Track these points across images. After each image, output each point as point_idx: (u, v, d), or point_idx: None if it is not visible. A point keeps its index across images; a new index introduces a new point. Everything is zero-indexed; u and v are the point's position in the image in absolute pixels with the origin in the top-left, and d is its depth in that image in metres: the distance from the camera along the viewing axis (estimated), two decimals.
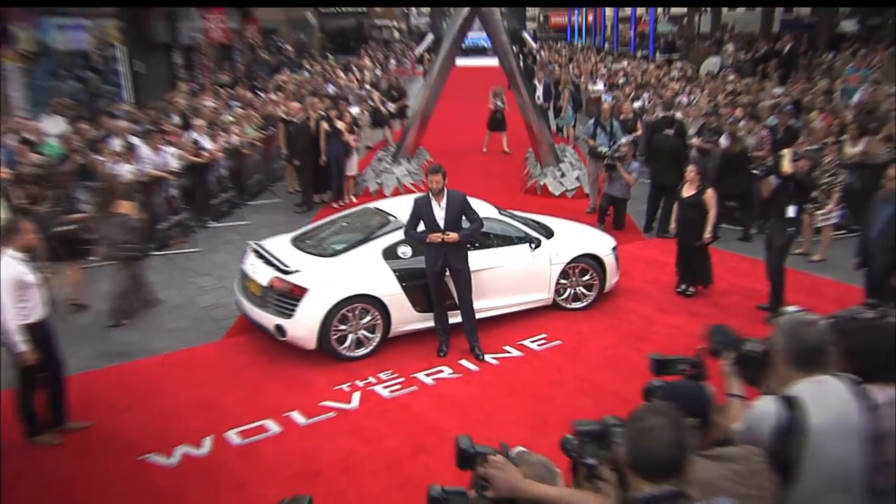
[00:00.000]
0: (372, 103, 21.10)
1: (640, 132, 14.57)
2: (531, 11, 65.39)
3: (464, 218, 8.66)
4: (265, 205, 15.78)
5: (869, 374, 3.50)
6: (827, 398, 3.34)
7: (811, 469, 3.28)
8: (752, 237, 12.58)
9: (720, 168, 12.35)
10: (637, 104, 17.99)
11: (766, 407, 3.37)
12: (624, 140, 13.55)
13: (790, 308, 4.54)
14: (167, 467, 6.83)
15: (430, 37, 49.64)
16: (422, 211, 8.59)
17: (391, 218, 9.54)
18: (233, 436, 7.27)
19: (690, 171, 10.49)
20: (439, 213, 8.51)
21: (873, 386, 3.46)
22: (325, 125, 14.52)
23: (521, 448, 3.51)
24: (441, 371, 8.57)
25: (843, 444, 3.31)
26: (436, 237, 8.38)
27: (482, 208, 9.64)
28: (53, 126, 13.51)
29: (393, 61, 37.99)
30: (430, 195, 8.61)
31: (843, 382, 3.41)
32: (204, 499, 6.43)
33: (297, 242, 9.50)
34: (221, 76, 28.73)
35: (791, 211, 9.36)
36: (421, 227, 8.58)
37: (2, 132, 12.09)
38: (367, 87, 26.77)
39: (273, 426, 7.47)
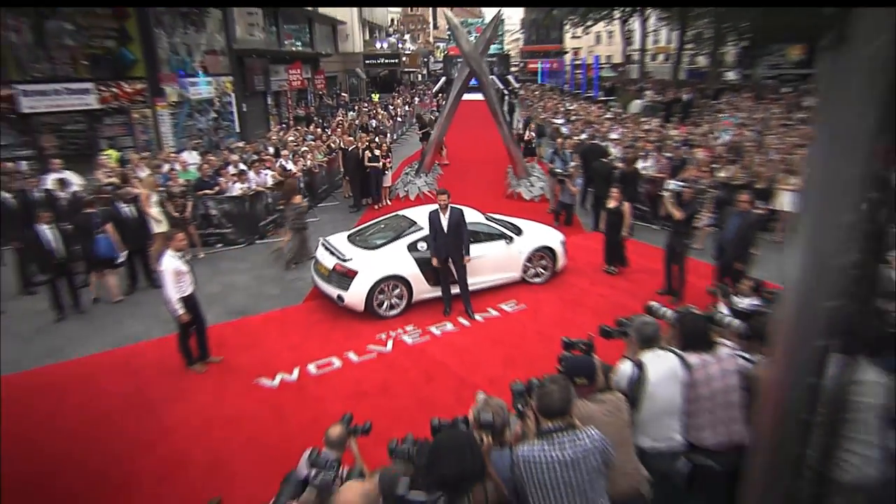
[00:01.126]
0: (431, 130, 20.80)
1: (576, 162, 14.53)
2: (514, 59, 64.30)
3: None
4: (329, 206, 15.72)
5: (690, 347, 3.90)
6: (660, 362, 3.74)
7: (649, 403, 3.69)
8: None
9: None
10: (584, 136, 17.78)
11: (624, 367, 3.79)
12: (572, 164, 13.54)
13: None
14: (271, 387, 7.15)
15: (442, 79, 49.18)
16: (434, 221, 8.75)
17: (413, 223, 9.51)
18: (311, 368, 7.54)
19: (614, 191, 10.50)
20: (444, 221, 8.65)
21: (692, 354, 3.84)
22: (368, 153, 14.60)
23: (483, 394, 3.96)
24: (446, 326, 8.69)
25: (669, 389, 3.71)
26: (438, 264, 8.85)
27: (473, 215, 9.67)
28: (191, 158, 13.72)
29: (417, 99, 37.86)
30: (439, 209, 8.76)
31: (672, 353, 3.80)
32: (295, 409, 6.69)
33: (351, 238, 9.53)
34: (299, 111, 29.00)
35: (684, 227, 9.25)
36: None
37: (160, 162, 12.49)
38: (399, 119, 26.82)
39: (336, 362, 7.70)
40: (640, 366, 3.70)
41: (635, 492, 3.40)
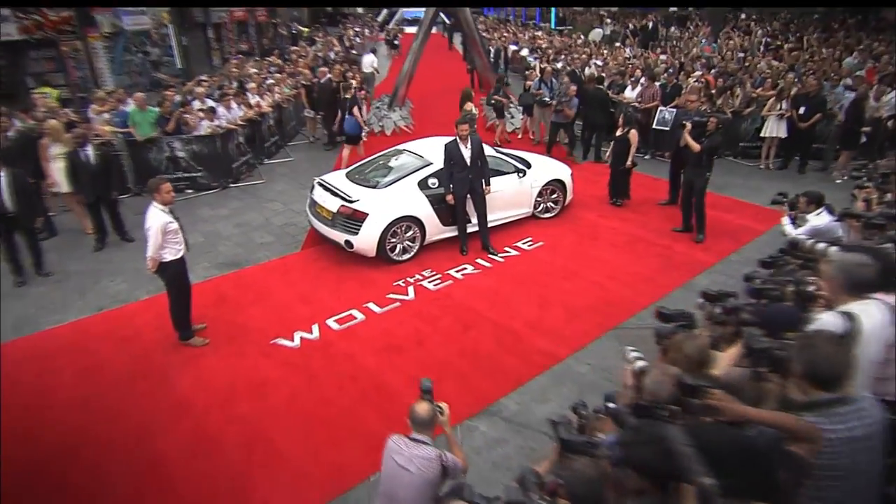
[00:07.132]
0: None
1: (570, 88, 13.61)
2: None
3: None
4: (300, 144, 14.38)
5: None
6: (872, 313, 2.97)
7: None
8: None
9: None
10: (558, 65, 16.96)
11: (828, 318, 2.99)
12: (563, 89, 12.52)
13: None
14: (292, 348, 6.36)
15: (384, 12, 46.85)
16: (452, 154, 8.01)
17: (421, 157, 8.68)
18: (332, 323, 6.79)
19: (620, 119, 10.02)
20: (466, 153, 7.99)
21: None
22: (344, 85, 12.96)
23: (634, 356, 3.21)
24: (465, 268, 8.06)
25: (873, 345, 2.96)
26: (454, 201, 8.14)
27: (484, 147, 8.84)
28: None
29: (367, 31, 35.94)
30: (458, 140, 7.99)
31: (878, 301, 3.04)
32: (325, 367, 6.03)
33: (351, 177, 8.60)
34: (242, 45, 26.97)
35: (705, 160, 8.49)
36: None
37: (116, 101, 10.88)
38: (354, 52, 25.19)
39: (358, 314, 6.97)
40: (850, 318, 2.91)
41: None
